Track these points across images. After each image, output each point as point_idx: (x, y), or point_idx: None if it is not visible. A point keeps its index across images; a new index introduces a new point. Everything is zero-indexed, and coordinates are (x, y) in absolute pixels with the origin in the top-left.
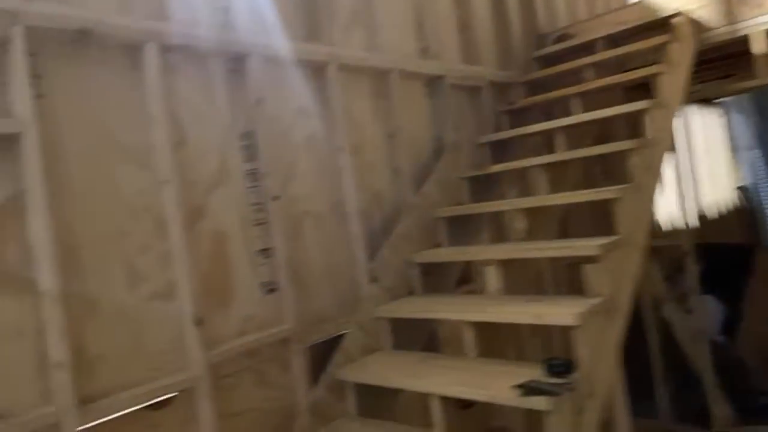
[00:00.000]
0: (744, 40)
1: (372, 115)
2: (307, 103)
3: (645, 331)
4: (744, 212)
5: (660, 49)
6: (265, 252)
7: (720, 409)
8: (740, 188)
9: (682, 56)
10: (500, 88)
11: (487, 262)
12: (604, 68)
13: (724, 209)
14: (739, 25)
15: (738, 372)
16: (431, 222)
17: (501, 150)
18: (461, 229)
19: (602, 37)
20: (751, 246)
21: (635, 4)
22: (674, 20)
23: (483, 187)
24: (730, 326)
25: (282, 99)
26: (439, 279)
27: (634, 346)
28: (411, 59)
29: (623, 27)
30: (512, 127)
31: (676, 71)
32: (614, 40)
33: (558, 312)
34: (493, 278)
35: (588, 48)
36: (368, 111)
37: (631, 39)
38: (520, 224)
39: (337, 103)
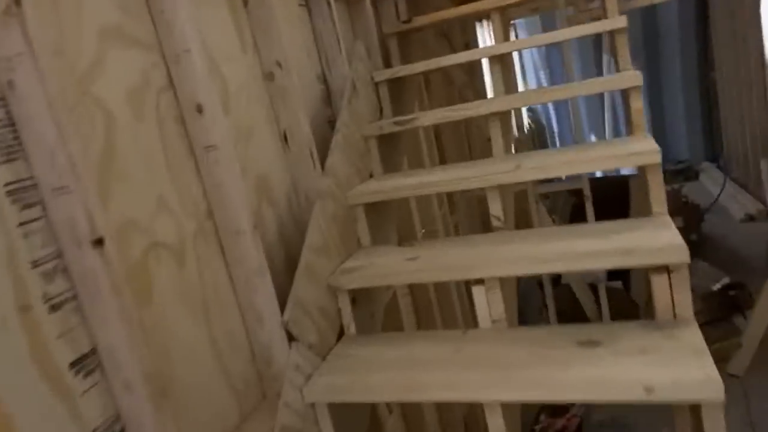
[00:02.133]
0: None
1: (235, 40)
2: (114, 14)
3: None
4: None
5: None
6: (84, 363)
7: None
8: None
9: None
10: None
11: (481, 281)
12: None
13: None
14: None
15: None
16: (347, 212)
17: (398, 91)
18: (380, 217)
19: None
20: (625, 176)
21: None
22: None
23: (390, 147)
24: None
25: (62, 4)
26: (365, 305)
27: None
28: None
29: None
30: (403, 57)
31: None
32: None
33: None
34: (489, 304)
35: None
36: (228, 32)
37: None
38: (497, 209)
39: (180, 10)
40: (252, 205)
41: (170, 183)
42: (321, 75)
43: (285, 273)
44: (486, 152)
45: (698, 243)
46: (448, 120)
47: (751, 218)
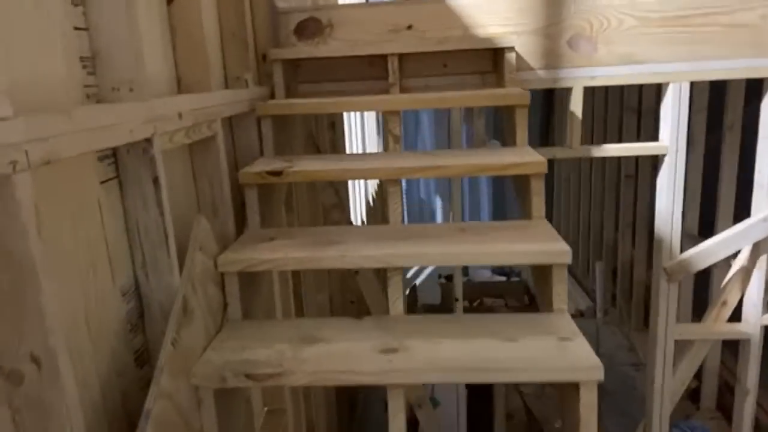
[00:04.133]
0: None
1: None
2: None
3: None
4: None
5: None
6: None
7: None
8: None
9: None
10: (233, 128)
11: None
12: None
13: None
14: (563, 73)
15: None
16: None
17: (252, 282)
18: None
19: (395, 54)
20: None
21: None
22: (507, 54)
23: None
24: None
25: None
26: None
27: None
28: (69, 101)
29: (420, 42)
30: (264, 214)
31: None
32: (415, 61)
33: None
34: None
35: (373, 63)
36: None
37: (427, 61)
38: None
39: None
40: None
41: None
42: (132, 286)
43: None
44: None
45: None
46: (331, 383)
47: (581, 314)
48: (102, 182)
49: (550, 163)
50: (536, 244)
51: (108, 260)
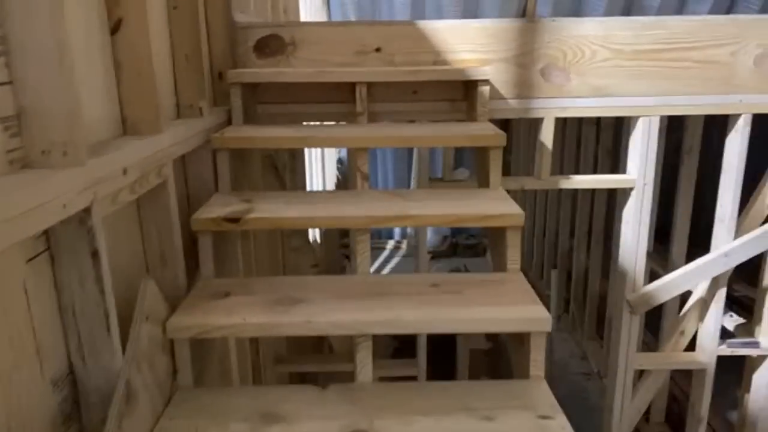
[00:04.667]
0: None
1: None
2: None
3: None
4: None
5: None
6: None
7: None
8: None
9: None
10: (185, 163)
11: None
12: None
13: None
14: (534, 103)
15: None
16: None
17: (202, 343)
18: None
19: (364, 83)
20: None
21: (399, 25)
22: (481, 88)
23: None
24: None
25: None
26: None
27: None
28: None
29: (389, 67)
30: (220, 260)
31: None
32: (384, 86)
33: None
34: None
35: (339, 86)
36: None
37: (396, 87)
38: None
39: None
40: None
41: None
42: (66, 372)
43: None
44: None
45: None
46: None
47: None
48: (29, 260)
49: (507, 166)
50: (515, 307)
51: (36, 351)
